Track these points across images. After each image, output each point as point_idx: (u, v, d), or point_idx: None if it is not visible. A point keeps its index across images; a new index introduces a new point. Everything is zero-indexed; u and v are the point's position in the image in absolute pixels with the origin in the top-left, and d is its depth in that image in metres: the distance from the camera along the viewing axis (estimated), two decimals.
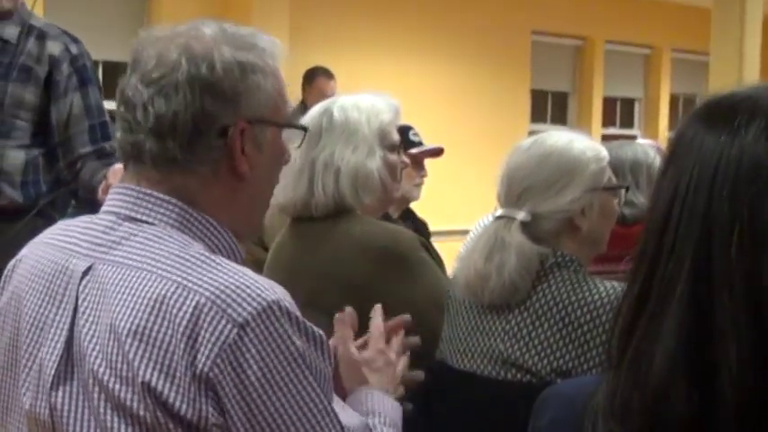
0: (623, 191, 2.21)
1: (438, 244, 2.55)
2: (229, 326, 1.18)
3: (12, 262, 1.43)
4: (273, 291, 1.22)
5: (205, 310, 1.18)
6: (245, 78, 1.31)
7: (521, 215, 1.96)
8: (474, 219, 3.39)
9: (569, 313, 1.89)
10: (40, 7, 4.53)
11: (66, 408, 1.24)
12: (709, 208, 0.84)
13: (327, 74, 6.52)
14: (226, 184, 1.32)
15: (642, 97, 10.93)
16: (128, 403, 1.19)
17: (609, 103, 10.54)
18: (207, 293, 1.19)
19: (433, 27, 8.64)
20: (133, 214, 1.31)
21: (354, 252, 2.11)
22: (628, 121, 10.89)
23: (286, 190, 2.11)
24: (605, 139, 8.63)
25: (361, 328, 1.66)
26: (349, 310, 1.64)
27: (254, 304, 1.19)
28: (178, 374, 1.18)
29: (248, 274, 1.23)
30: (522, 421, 1.11)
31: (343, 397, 1.46)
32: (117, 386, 1.20)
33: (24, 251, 1.42)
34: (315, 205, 2.15)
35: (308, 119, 2.21)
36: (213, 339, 1.17)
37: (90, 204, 2.63)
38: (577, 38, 10.07)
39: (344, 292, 1.96)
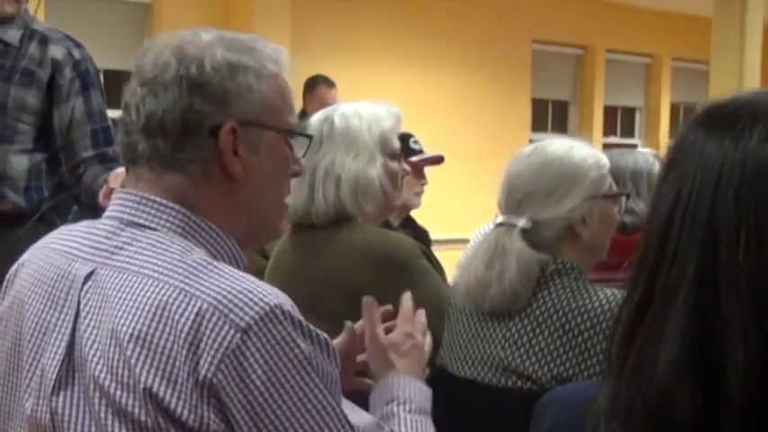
0: (624, 198, 2.21)
1: (438, 252, 2.55)
2: (232, 331, 1.17)
3: (14, 267, 1.43)
4: (276, 295, 1.22)
5: (207, 315, 1.18)
6: (234, 78, 1.31)
7: (521, 222, 1.97)
8: (474, 227, 3.39)
9: (570, 320, 1.89)
10: (41, 16, 4.54)
11: (67, 413, 1.24)
12: (713, 212, 0.85)
13: (328, 82, 6.52)
14: (219, 186, 1.32)
15: (643, 106, 10.94)
16: (129, 409, 1.19)
17: (609, 113, 10.55)
18: (209, 299, 1.19)
19: (435, 36, 8.65)
20: (135, 219, 1.31)
21: (355, 259, 2.11)
22: (628, 131, 10.90)
23: None
24: (606, 148, 8.63)
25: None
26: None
27: (257, 308, 1.19)
28: (180, 380, 1.17)
29: (250, 279, 1.23)
30: (523, 428, 1.12)
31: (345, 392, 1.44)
32: (118, 392, 1.20)
33: (26, 256, 1.42)
34: (315, 212, 2.16)
35: (309, 126, 2.22)
36: (216, 345, 1.17)
37: (92, 209, 2.63)
38: (578, 47, 10.09)
39: (345, 299, 1.96)
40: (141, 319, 1.20)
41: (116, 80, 6.21)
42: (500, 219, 2.03)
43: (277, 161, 1.38)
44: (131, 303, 1.22)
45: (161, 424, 1.18)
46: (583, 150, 2.03)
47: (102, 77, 3.08)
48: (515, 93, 9.42)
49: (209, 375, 1.16)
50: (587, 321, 1.87)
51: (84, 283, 1.28)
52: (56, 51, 2.89)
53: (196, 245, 1.29)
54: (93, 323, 1.25)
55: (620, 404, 0.87)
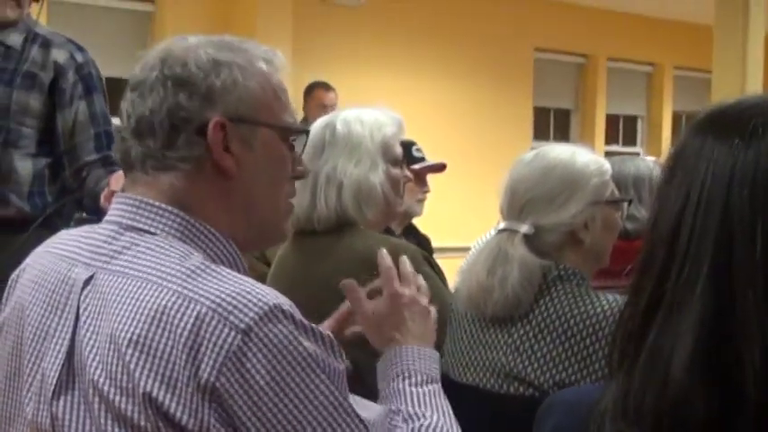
0: (626, 204, 2.21)
1: (440, 260, 2.54)
2: (232, 333, 1.17)
3: (15, 271, 1.43)
4: (275, 296, 1.21)
5: (207, 319, 1.18)
6: (218, 74, 1.32)
7: (523, 228, 1.96)
8: (475, 236, 3.39)
9: (572, 326, 1.88)
10: (42, 23, 4.54)
11: (67, 418, 1.24)
12: (726, 212, 0.85)
13: (325, 85, 6.52)
14: (213, 184, 1.32)
15: (645, 115, 10.94)
16: (128, 414, 1.18)
17: (612, 121, 10.54)
18: (208, 303, 1.19)
19: (436, 44, 8.66)
20: (134, 224, 1.31)
21: (356, 265, 2.10)
22: (630, 139, 10.90)
23: None
24: (608, 156, 8.63)
25: None
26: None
27: (256, 309, 1.18)
28: (180, 385, 1.17)
29: (248, 281, 1.23)
30: None
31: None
32: (117, 397, 1.19)
33: (27, 260, 1.43)
34: (317, 218, 2.15)
35: (310, 132, 2.22)
36: (217, 349, 1.16)
37: (95, 213, 2.63)
38: (580, 55, 10.09)
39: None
40: (140, 324, 1.20)
41: (118, 88, 6.20)
42: (502, 224, 2.03)
43: (273, 159, 1.38)
44: (130, 308, 1.22)
45: (161, 429, 1.17)
46: (585, 156, 2.03)
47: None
48: (517, 101, 9.42)
49: (212, 379, 1.16)
50: (590, 327, 1.87)
51: (83, 288, 1.28)
52: (58, 55, 2.89)
53: (195, 248, 1.29)
54: (92, 328, 1.25)
55: (631, 404, 0.86)
